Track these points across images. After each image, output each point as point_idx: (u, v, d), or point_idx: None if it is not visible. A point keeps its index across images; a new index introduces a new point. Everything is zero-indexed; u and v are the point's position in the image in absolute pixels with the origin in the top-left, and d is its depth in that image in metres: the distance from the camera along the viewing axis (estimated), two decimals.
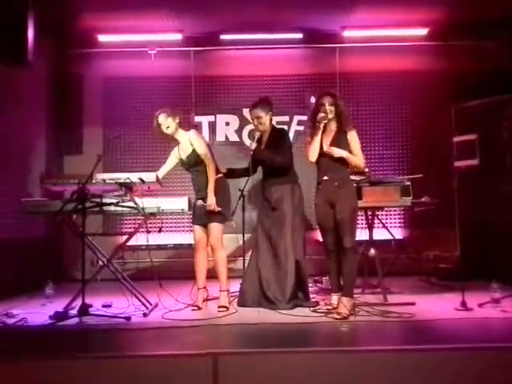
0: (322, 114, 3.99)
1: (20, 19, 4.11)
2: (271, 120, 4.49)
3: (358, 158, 4.01)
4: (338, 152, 3.94)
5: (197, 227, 4.43)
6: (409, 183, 4.98)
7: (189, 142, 4.38)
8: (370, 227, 4.89)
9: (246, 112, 6.40)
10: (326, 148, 3.99)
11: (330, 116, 4.02)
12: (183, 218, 6.38)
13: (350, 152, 3.99)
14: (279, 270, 4.32)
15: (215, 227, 4.31)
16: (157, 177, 4.30)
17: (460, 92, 6.08)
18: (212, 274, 4.47)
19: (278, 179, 4.43)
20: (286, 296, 4.26)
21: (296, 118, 6.54)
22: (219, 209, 4.25)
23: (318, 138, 4.02)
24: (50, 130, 6.28)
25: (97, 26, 6.17)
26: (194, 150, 4.36)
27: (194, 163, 4.40)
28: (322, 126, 3.99)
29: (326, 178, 4.03)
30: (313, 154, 4.04)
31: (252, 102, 4.52)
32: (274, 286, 4.31)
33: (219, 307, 4.24)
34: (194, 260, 4.46)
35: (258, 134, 4.45)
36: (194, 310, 4.26)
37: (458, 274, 5.36)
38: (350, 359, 2.85)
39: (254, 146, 4.36)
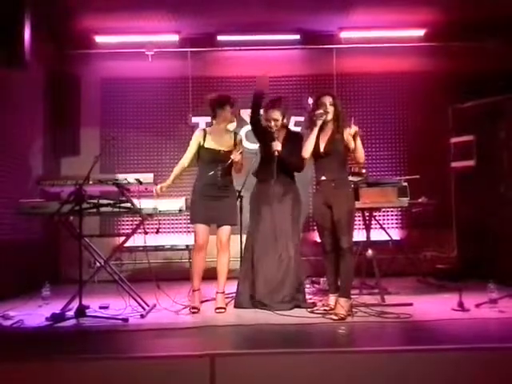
0: (321, 111, 3.97)
1: (16, 20, 4.10)
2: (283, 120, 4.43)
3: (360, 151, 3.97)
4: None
5: (204, 227, 4.25)
6: (406, 184, 4.98)
7: (232, 139, 4.42)
8: (368, 228, 4.90)
9: (243, 113, 6.40)
10: (322, 148, 3.99)
11: (330, 116, 4.01)
12: (180, 219, 6.37)
13: (348, 151, 3.99)
14: (277, 271, 4.31)
15: (228, 230, 4.34)
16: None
17: (457, 93, 6.09)
18: (207, 275, 4.42)
19: (281, 179, 4.35)
20: (283, 297, 4.25)
21: (293, 119, 6.53)
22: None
23: (314, 133, 3.99)
24: (47, 132, 6.26)
25: (94, 26, 6.17)
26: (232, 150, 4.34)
27: (224, 160, 4.27)
28: (319, 122, 3.97)
29: (323, 178, 4.02)
30: (307, 150, 4.01)
31: (269, 102, 4.39)
32: (271, 286, 4.30)
33: (216, 308, 4.23)
34: (195, 260, 4.33)
35: (276, 134, 4.36)
36: (194, 312, 4.17)
37: (455, 274, 5.38)
38: (347, 360, 2.85)
39: (279, 146, 4.25)
